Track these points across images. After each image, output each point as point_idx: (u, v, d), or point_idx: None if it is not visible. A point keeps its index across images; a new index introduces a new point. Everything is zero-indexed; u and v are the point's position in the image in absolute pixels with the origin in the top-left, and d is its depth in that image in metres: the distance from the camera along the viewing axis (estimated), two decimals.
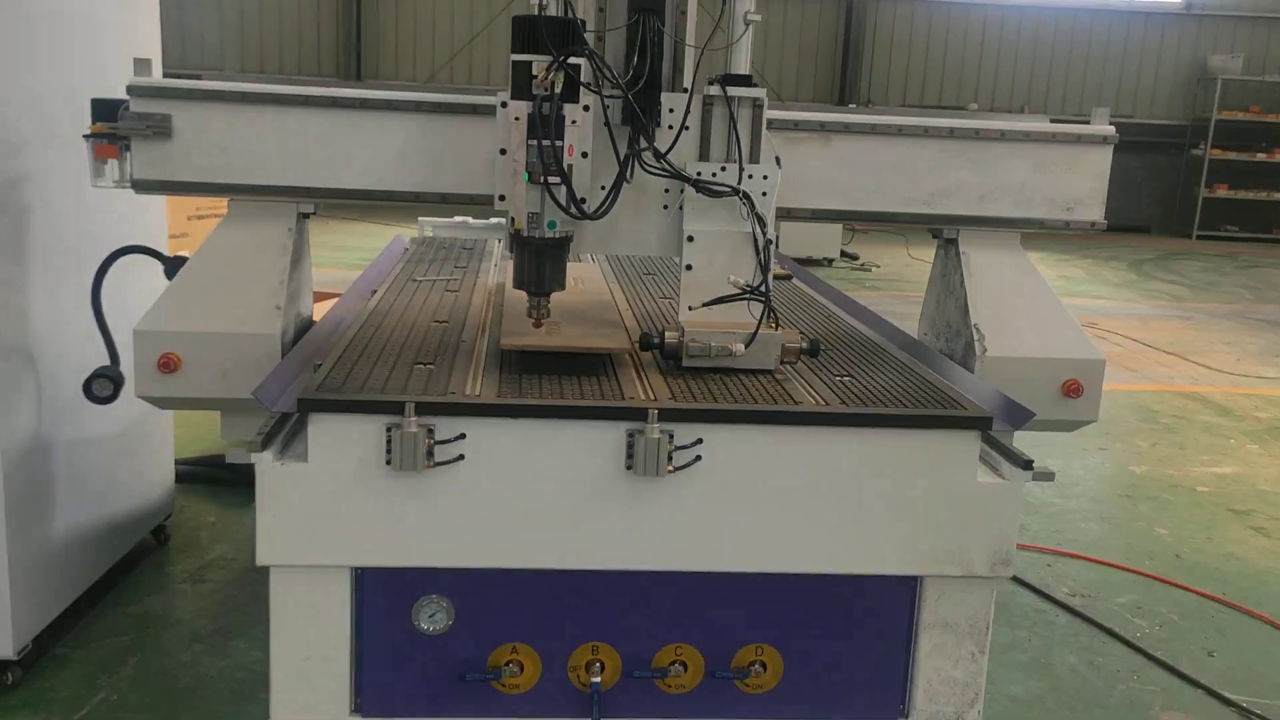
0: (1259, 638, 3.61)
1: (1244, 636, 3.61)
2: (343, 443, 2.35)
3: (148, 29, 3.59)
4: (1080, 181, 3.01)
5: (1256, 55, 17.21)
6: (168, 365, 2.73)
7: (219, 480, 4.41)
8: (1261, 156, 16.87)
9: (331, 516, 2.38)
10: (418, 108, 2.87)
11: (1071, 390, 2.96)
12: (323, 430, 2.35)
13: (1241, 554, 4.30)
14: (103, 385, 2.89)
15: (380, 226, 11.80)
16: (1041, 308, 3.02)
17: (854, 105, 16.77)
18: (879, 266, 11.83)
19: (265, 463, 2.35)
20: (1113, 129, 3.02)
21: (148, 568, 3.69)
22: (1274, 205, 17.23)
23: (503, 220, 5.13)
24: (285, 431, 2.50)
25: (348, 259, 9.11)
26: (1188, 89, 17.30)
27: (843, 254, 12.31)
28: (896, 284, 10.19)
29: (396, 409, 2.33)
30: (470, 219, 5.14)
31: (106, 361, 2.98)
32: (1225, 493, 5.00)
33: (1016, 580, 3.90)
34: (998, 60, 17.27)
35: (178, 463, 4.07)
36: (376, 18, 16.10)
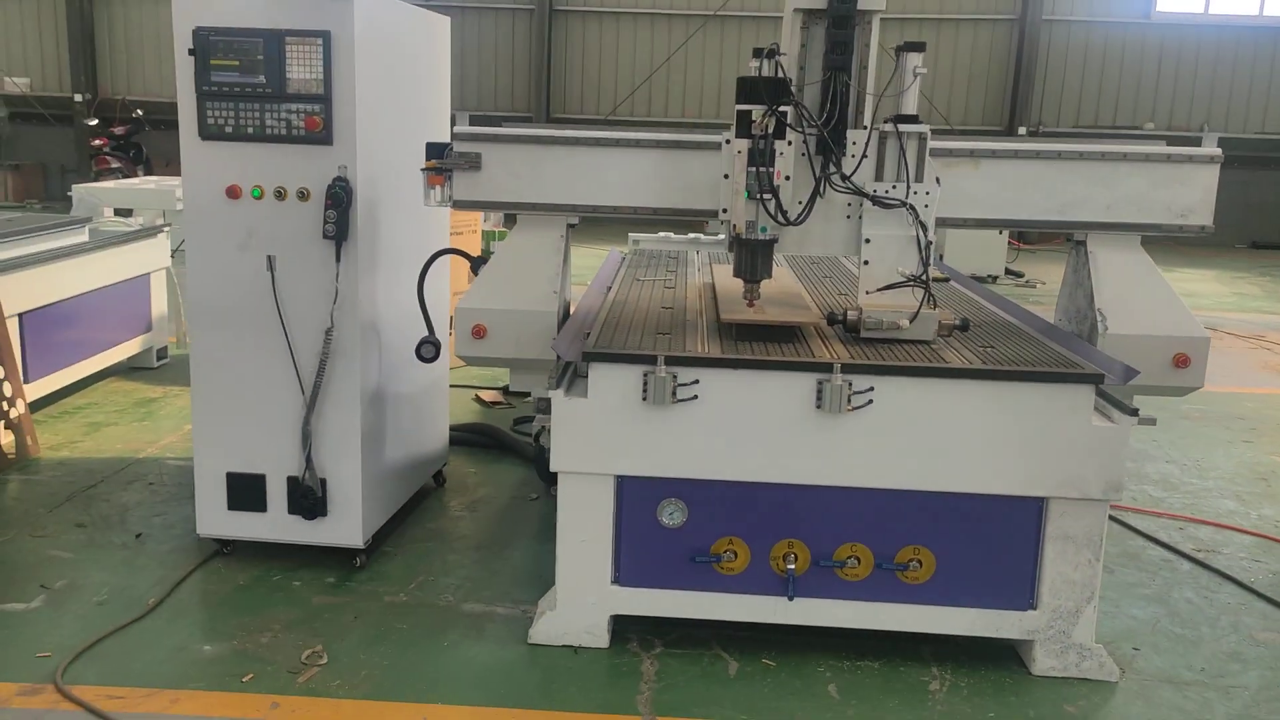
0: None
1: None
2: (612, 384, 3.31)
3: (444, 83, 4.70)
4: (1191, 193, 3.67)
5: None
6: (478, 333, 3.77)
7: (475, 444, 5.49)
8: None
9: (602, 437, 3.35)
10: (657, 145, 3.78)
11: (1181, 361, 3.62)
12: (599, 375, 3.32)
13: None
14: (428, 349, 3.97)
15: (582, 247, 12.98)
16: (1157, 295, 3.69)
17: (1024, 129, 17.00)
18: (1044, 284, 12.19)
19: (559, 398, 3.34)
20: (1219, 150, 3.66)
21: (432, 501, 4.77)
22: None
23: (699, 235, 6.12)
24: (568, 377, 3.48)
25: None
26: None
27: (1007, 271, 12.71)
28: None
29: (651, 360, 3.28)
30: (672, 234, 6.10)
31: (425, 334, 4.05)
32: None
33: (1147, 537, 4.51)
34: (1176, 79, 17.15)
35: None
36: (565, 59, 17.50)
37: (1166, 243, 15.18)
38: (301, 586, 3.84)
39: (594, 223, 3.92)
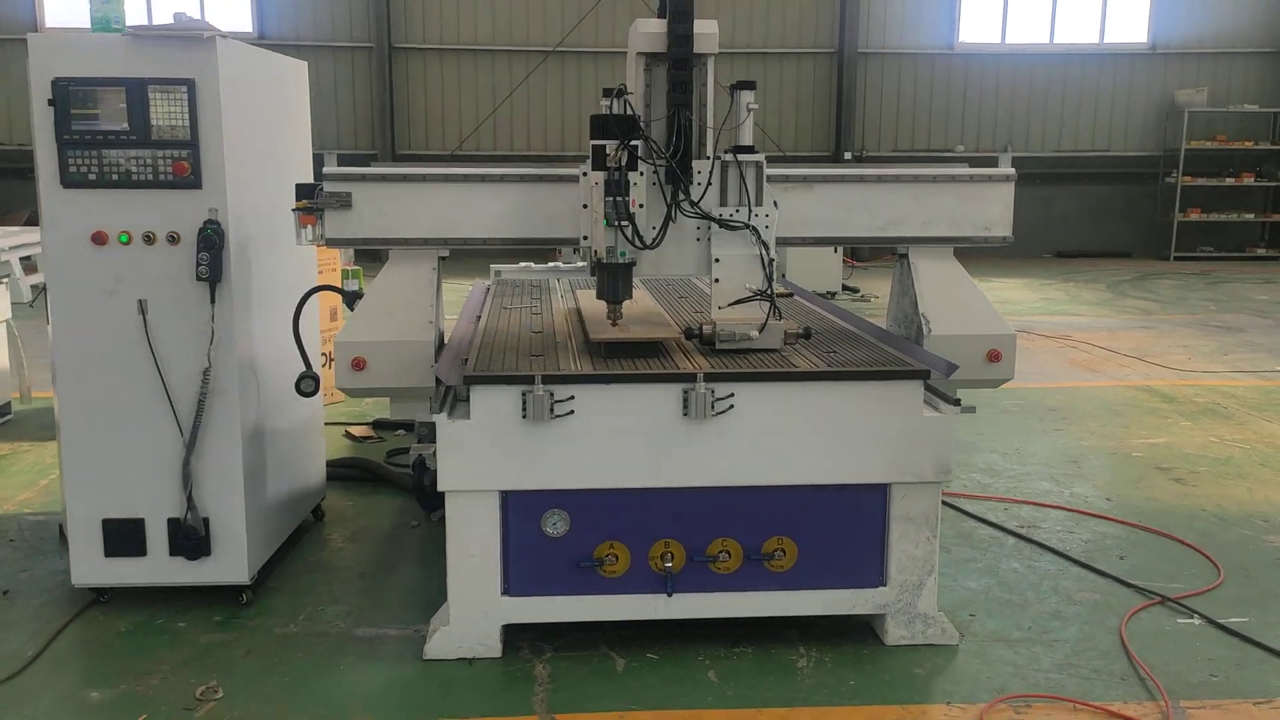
0: (1162, 548, 4.69)
1: (1150, 548, 4.70)
2: (493, 404, 3.52)
3: (305, 125, 4.83)
4: (992, 209, 4.16)
5: (1220, 88, 18.49)
6: (358, 365, 3.90)
7: (351, 478, 5.56)
8: (1230, 181, 18.06)
9: (486, 456, 3.55)
10: (519, 179, 4.02)
11: (994, 356, 4.10)
12: (480, 397, 3.53)
13: (1160, 496, 5.39)
14: (308, 383, 4.07)
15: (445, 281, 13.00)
16: (970, 299, 4.17)
17: (849, 154, 18.05)
18: (877, 298, 13.01)
19: (443, 421, 3.53)
20: (1013, 170, 4.18)
21: (313, 535, 4.83)
22: (1245, 225, 18.43)
23: (558, 264, 6.36)
24: (449, 402, 3.67)
25: None
26: (1158, 122, 18.55)
27: (844, 287, 13.50)
28: None
29: (528, 381, 3.51)
30: (533, 264, 6.35)
31: (302, 369, 4.15)
32: (1155, 456, 6.10)
33: (978, 519, 5.01)
34: (980, 104, 18.58)
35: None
36: (407, 96, 17.54)
37: (982, 255, 16.47)
38: (187, 627, 3.87)
39: (456, 256, 4.10)
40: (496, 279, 6.03)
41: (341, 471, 5.55)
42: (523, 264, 6.37)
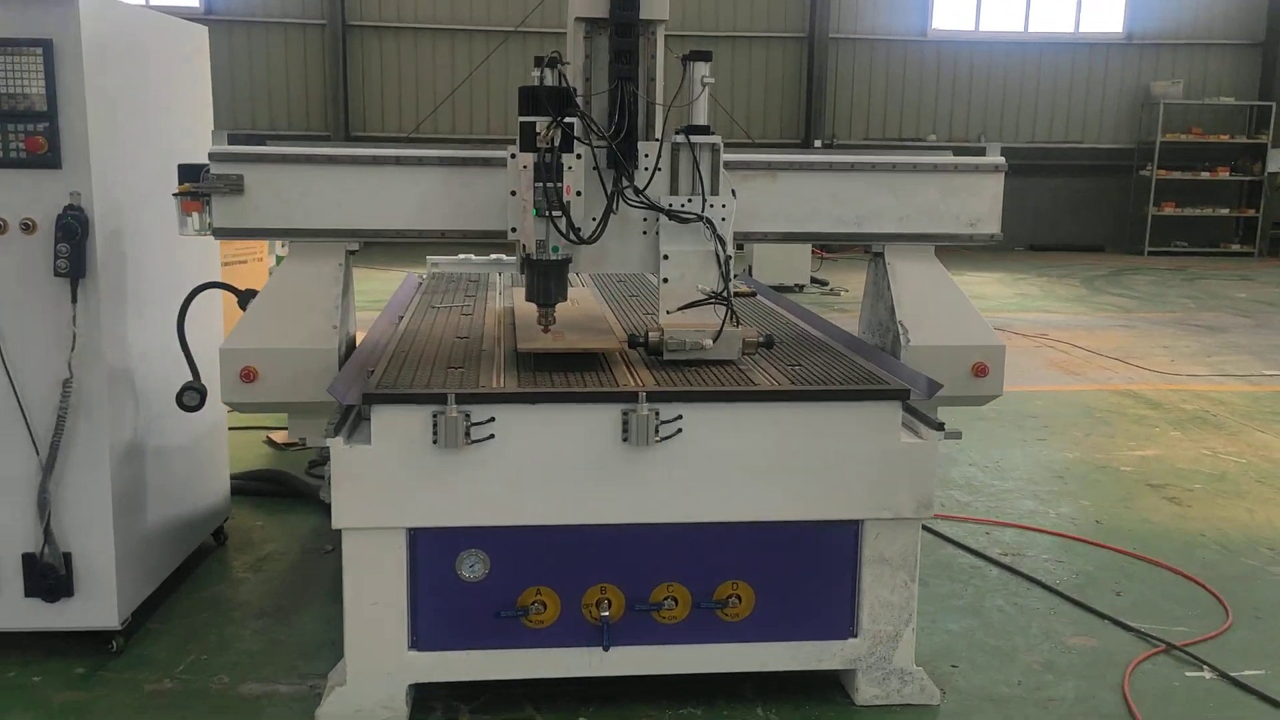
0: (1161, 581, 4.24)
1: (1148, 581, 4.24)
2: (398, 427, 2.99)
3: (205, 100, 4.25)
4: (979, 202, 3.67)
5: (1195, 80, 18.18)
6: (248, 376, 3.35)
7: (263, 492, 5.01)
8: (1205, 175, 17.77)
9: (390, 487, 3.02)
10: (440, 162, 3.49)
11: (980, 371, 3.61)
12: (383, 418, 2.99)
13: (1154, 519, 4.94)
14: (191, 396, 3.51)
15: (373, 271, 12.35)
16: (953, 305, 3.68)
17: (819, 142, 17.57)
18: (847, 291, 12.56)
19: (338, 446, 2.99)
20: (1003, 159, 3.69)
21: (212, 562, 4.28)
22: (1219, 220, 18.15)
23: (500, 256, 5.80)
24: (349, 422, 3.12)
25: None
26: (1133, 114, 18.22)
27: (813, 280, 13.03)
28: None
29: (440, 399, 2.97)
30: (473, 256, 5.79)
31: (189, 378, 3.59)
32: (1145, 471, 5.67)
33: (957, 544, 4.54)
34: (953, 93, 18.16)
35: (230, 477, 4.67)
36: (362, 76, 16.85)
37: (955, 248, 15.98)
38: (42, 682, 3.31)
39: (387, 245, 3.57)
40: (432, 271, 5.48)
41: (252, 485, 4.99)
42: (462, 255, 5.81)
